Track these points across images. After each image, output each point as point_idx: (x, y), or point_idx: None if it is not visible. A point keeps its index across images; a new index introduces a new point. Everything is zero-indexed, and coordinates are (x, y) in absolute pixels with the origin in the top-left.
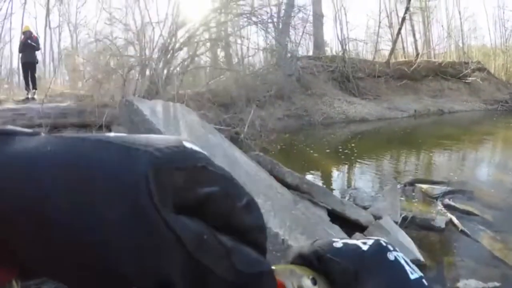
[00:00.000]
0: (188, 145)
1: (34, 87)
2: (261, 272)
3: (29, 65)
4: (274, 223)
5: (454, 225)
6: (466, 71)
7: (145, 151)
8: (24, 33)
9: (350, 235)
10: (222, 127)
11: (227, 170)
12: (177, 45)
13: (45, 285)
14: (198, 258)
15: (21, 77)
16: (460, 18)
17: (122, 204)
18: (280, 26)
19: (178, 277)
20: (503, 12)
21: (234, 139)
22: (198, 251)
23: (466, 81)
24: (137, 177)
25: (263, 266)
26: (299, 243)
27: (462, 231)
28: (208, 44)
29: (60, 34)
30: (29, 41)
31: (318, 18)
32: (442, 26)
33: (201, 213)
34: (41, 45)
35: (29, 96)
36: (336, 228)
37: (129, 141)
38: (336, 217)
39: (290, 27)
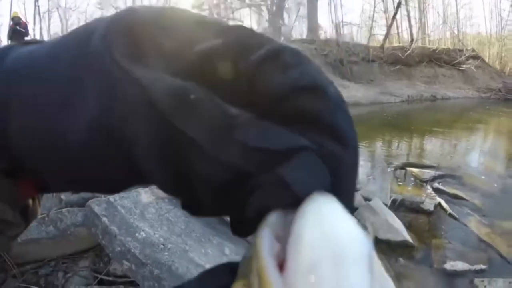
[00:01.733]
0: None
1: None
2: (290, 148)
3: None
4: None
5: (443, 208)
6: (461, 58)
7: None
8: (12, 19)
9: None
10: None
11: None
12: None
13: (42, 269)
14: (176, 125)
15: None
16: (456, 5)
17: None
18: (274, 9)
19: (146, 153)
20: (500, 1)
21: None
22: (177, 115)
23: (460, 68)
24: (95, 38)
25: (295, 141)
26: None
27: (450, 214)
28: None
29: (49, 19)
30: (17, 27)
31: (312, 1)
32: (438, 12)
33: (200, 77)
34: (30, 31)
35: None
36: None
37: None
38: None
39: (284, 10)
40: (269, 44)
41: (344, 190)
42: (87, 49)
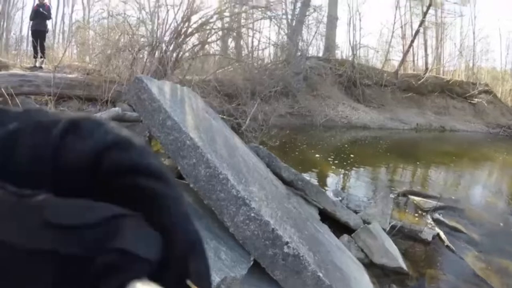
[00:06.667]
0: None
1: (43, 56)
2: (99, 221)
3: (39, 33)
4: (266, 212)
5: (441, 239)
6: (473, 91)
7: None
8: None
9: (338, 236)
10: (224, 117)
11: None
12: (189, 30)
13: None
14: None
15: (30, 45)
16: (474, 39)
17: None
18: (294, 24)
19: None
20: None
21: (235, 130)
22: None
23: (472, 101)
24: None
25: (104, 212)
26: (288, 234)
27: (447, 246)
28: (220, 33)
29: (73, 6)
30: (41, 9)
31: (332, 20)
32: (455, 44)
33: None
34: (53, 15)
35: (37, 64)
36: (325, 227)
37: None
38: (327, 217)
39: (304, 26)
40: (68, 117)
41: (177, 230)
42: None
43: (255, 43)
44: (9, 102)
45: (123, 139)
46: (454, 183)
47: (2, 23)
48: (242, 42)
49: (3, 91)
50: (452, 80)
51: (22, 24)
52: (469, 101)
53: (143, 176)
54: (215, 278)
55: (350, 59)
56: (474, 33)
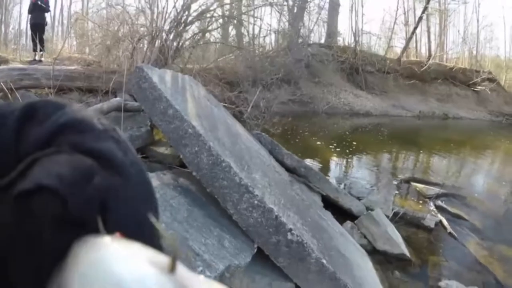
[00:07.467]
0: None
1: (42, 49)
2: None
3: (37, 27)
4: (269, 199)
5: (444, 226)
6: (476, 79)
7: None
8: None
9: (341, 222)
10: (226, 105)
11: None
12: (190, 19)
13: None
14: None
15: (29, 39)
16: (478, 26)
17: None
18: (295, 10)
19: None
20: None
21: (237, 118)
22: None
23: (475, 89)
24: None
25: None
26: (291, 221)
27: (450, 233)
28: (220, 21)
29: None
30: (39, 2)
31: (334, 6)
32: (458, 31)
33: None
34: (51, 7)
35: (36, 57)
36: (328, 214)
37: None
38: (330, 204)
39: (305, 12)
40: (25, 103)
41: (124, 223)
42: None
43: (256, 30)
44: (9, 96)
45: (79, 120)
46: (457, 170)
47: (0, 17)
48: (243, 30)
49: (3, 85)
50: (455, 67)
51: (21, 18)
52: (472, 88)
53: (98, 166)
54: (219, 266)
55: (352, 46)
56: (478, 20)
